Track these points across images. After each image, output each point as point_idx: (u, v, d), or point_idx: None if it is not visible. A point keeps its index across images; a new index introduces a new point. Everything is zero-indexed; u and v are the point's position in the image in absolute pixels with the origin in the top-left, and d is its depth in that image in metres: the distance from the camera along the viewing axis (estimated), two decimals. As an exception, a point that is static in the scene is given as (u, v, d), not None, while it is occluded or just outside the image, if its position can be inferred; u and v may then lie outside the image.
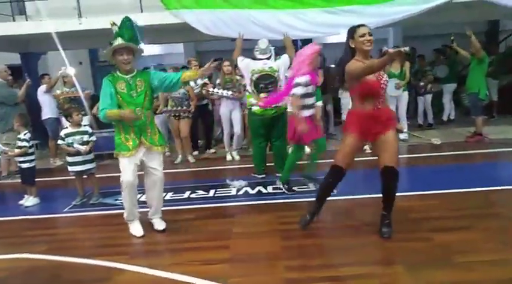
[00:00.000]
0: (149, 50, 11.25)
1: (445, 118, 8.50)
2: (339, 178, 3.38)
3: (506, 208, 3.85)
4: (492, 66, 7.72)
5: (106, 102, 3.45)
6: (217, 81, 6.60)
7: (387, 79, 3.22)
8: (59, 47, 6.77)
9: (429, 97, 8.03)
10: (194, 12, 6.53)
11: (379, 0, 6.18)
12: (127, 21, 3.45)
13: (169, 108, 6.43)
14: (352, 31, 3.17)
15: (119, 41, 3.39)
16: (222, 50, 9.97)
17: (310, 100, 4.33)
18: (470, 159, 5.77)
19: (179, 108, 6.39)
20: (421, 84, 8.00)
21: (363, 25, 3.16)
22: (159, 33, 7.58)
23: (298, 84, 4.13)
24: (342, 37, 9.27)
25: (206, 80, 7.10)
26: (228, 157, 6.62)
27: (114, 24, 3.47)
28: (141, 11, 6.81)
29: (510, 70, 9.16)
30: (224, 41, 7.51)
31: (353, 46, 3.17)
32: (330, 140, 7.56)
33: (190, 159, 6.62)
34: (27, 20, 7.53)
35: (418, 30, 10.57)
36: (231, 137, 6.68)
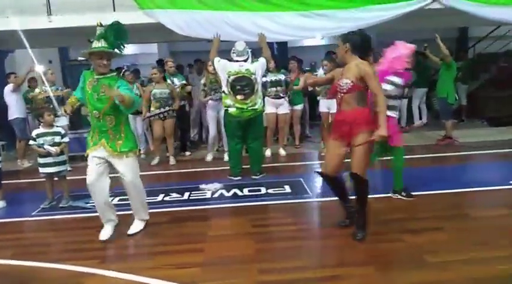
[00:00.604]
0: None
1: (417, 122, 8.69)
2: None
3: (476, 209, 3.97)
4: (461, 72, 7.96)
5: (77, 94, 3.55)
6: (202, 81, 6.54)
7: (346, 82, 3.16)
8: (26, 45, 6.55)
9: (405, 102, 8.18)
10: (168, 12, 6.46)
11: (353, 5, 6.27)
12: (116, 25, 3.38)
13: (153, 109, 6.31)
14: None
15: (101, 44, 3.32)
16: (196, 50, 9.92)
17: (396, 102, 4.14)
18: (441, 161, 5.92)
19: (166, 108, 6.28)
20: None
21: None
22: (132, 33, 7.37)
23: (391, 82, 4.05)
24: (318, 41, 9.41)
25: (184, 81, 7.05)
26: (208, 158, 6.56)
27: (100, 25, 3.39)
28: (114, 10, 6.67)
29: (478, 75, 9.51)
30: (198, 42, 7.46)
31: None
32: (306, 142, 7.65)
33: (172, 161, 6.51)
34: (-7, 17, 7.25)
35: (391, 36, 10.76)
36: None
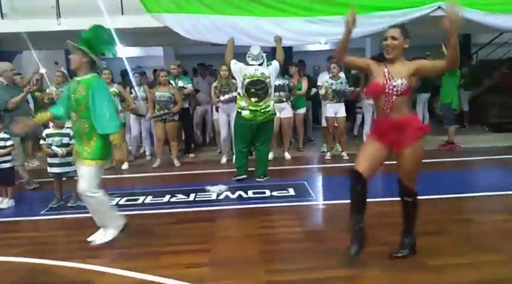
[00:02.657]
0: (128, 52, 11.17)
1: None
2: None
3: (477, 214, 4.03)
4: (464, 78, 8.03)
5: (54, 109, 3.61)
6: (214, 84, 6.62)
7: (402, 83, 2.79)
8: (31, 47, 6.66)
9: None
10: (175, 16, 6.55)
11: (358, 11, 6.34)
12: (94, 27, 3.44)
13: (156, 112, 6.40)
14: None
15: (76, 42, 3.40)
16: (201, 54, 10.03)
17: None
18: (443, 166, 5.98)
19: (165, 110, 6.36)
20: None
21: (393, 26, 2.97)
22: (139, 36, 7.55)
23: None
24: (321, 46, 9.50)
25: (190, 84, 7.12)
26: (223, 161, 6.63)
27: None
28: (122, 13, 6.77)
29: (480, 81, 9.56)
30: (204, 46, 7.55)
31: None
32: (309, 146, 7.73)
33: (176, 163, 6.59)
34: (2, 18, 7.35)
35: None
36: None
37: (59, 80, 6.54)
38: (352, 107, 8.12)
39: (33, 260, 3.31)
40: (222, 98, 6.37)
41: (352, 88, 6.68)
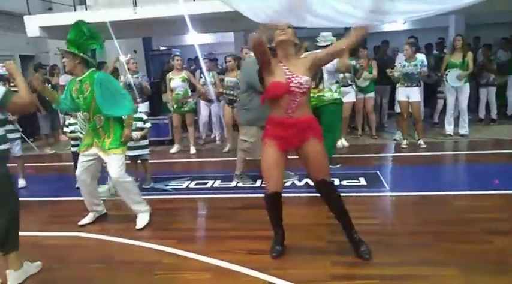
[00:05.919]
0: (200, 39, 11.39)
1: (509, 112, 7.92)
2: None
3: None
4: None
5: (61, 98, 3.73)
6: None
7: (305, 81, 2.69)
8: (113, 35, 7.00)
9: (492, 90, 7.49)
10: (245, 1, 6.48)
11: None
12: (75, 25, 3.47)
13: (225, 92, 6.46)
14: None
15: (67, 45, 3.48)
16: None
17: None
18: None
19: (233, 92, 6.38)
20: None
21: None
22: (210, 22, 7.63)
23: None
24: (399, 25, 8.95)
25: None
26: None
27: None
28: (194, 0, 6.87)
29: None
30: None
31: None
32: (382, 132, 7.34)
33: (192, 150, 6.68)
34: (86, 10, 7.85)
35: (482, 17, 9.91)
36: None
37: (133, 67, 6.83)
38: (432, 92, 7.55)
39: (110, 238, 3.51)
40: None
41: (424, 69, 6.08)
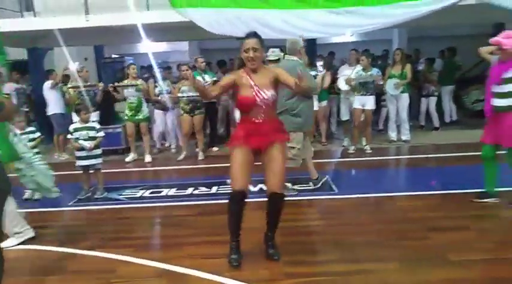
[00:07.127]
0: (153, 47, 11.31)
1: (447, 120, 8.53)
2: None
3: (502, 209, 3.89)
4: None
5: None
6: None
7: (270, 96, 2.87)
8: (62, 43, 6.87)
9: (433, 100, 8.02)
10: (200, 11, 6.60)
11: (383, 1, 6.22)
12: None
13: (182, 105, 6.50)
14: (240, 43, 2.92)
15: None
16: (226, 48, 10.03)
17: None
18: (473, 160, 5.79)
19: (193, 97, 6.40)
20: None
21: (250, 36, 2.88)
22: (164, 31, 7.66)
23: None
24: (346, 37, 9.26)
25: (215, 78, 7.14)
26: None
27: None
28: (148, 9, 6.88)
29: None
30: (228, 40, 7.56)
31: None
32: (332, 139, 7.65)
33: (201, 156, 6.67)
34: (35, 16, 7.61)
35: (423, 31, 10.59)
36: None
37: (85, 75, 6.78)
38: (377, 100, 7.97)
39: (61, 249, 3.45)
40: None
41: (378, 75, 6.45)
